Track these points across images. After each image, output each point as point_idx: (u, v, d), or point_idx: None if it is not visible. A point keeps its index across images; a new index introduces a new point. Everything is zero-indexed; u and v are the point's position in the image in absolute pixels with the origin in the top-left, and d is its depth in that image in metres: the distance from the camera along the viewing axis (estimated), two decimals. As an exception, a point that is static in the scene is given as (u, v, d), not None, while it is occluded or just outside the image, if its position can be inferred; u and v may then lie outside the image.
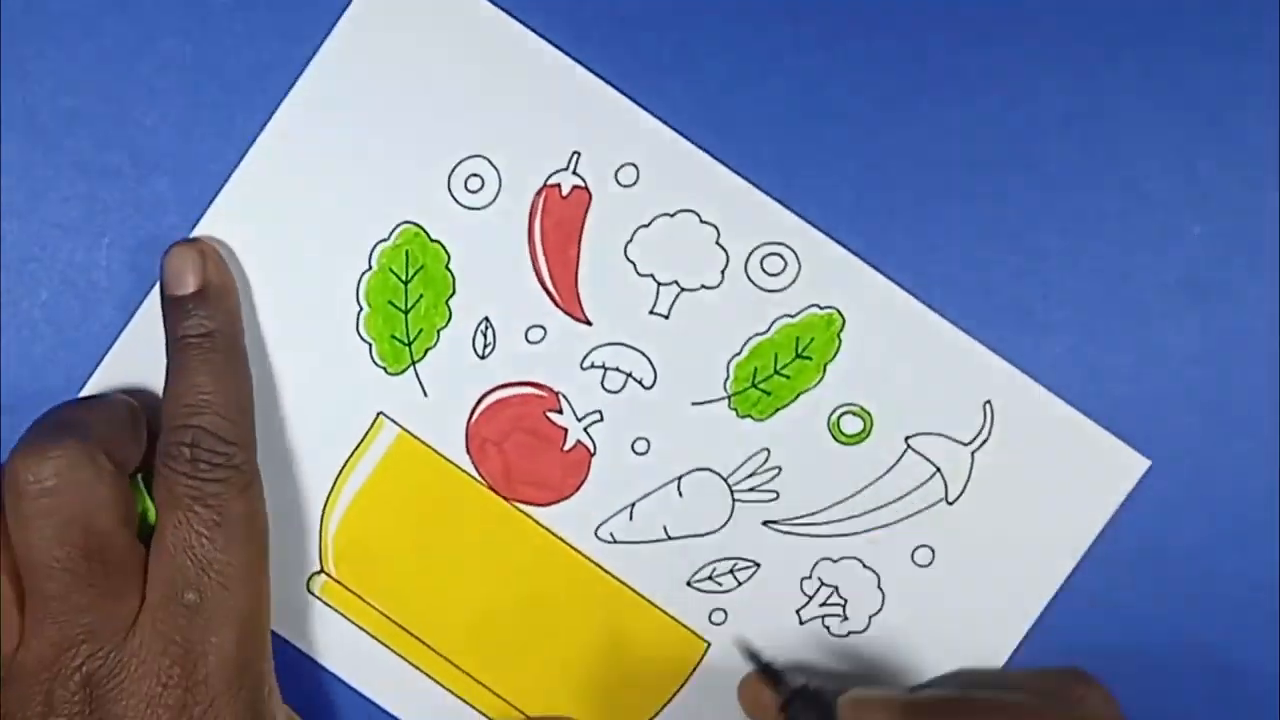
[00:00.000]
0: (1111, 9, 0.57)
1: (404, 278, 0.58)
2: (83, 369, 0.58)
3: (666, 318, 0.59)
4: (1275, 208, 0.58)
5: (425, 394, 0.59)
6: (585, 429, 0.59)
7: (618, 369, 0.59)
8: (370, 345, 0.59)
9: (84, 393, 0.58)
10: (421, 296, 0.59)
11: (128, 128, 0.57)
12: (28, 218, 0.58)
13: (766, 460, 0.59)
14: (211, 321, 0.55)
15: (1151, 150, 0.57)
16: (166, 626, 0.52)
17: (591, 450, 0.59)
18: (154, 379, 0.57)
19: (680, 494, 0.59)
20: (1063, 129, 0.57)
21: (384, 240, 0.58)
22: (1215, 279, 0.58)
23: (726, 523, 0.59)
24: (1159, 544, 0.59)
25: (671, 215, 0.58)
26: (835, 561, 0.59)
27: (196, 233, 0.58)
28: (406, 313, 0.59)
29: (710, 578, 0.60)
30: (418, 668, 0.60)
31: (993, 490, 0.59)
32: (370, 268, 0.58)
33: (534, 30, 0.57)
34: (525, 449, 0.59)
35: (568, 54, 0.57)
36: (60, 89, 0.57)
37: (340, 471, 0.59)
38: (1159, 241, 0.58)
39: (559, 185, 0.58)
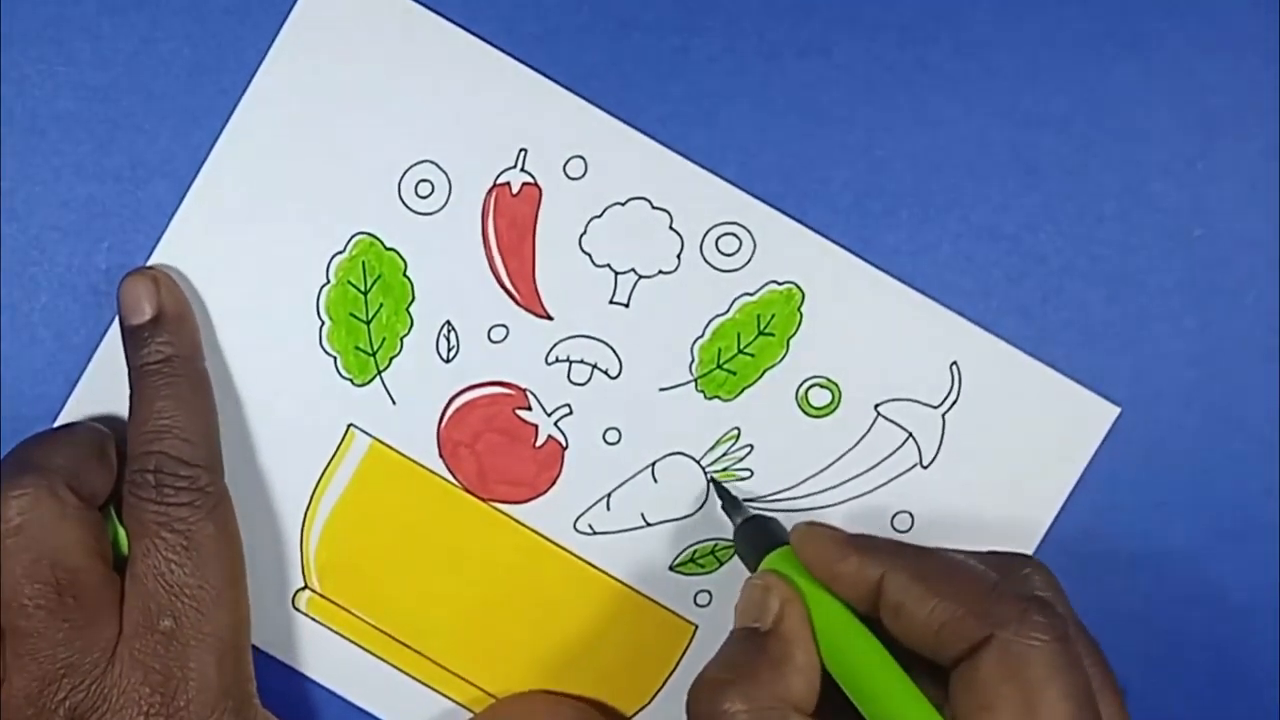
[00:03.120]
0: (1111, 10, 0.55)
1: (363, 288, 0.56)
2: (82, 372, 0.56)
3: (627, 306, 0.57)
4: (1275, 209, 0.56)
5: (394, 402, 0.57)
6: (555, 424, 0.57)
7: (583, 361, 0.57)
8: (335, 358, 0.57)
9: (58, 421, 0.56)
10: (382, 305, 0.56)
11: (127, 132, 0.56)
12: (27, 221, 0.56)
13: (738, 439, 0.57)
14: (169, 347, 0.54)
15: (1151, 152, 0.56)
16: (145, 655, 0.51)
17: (563, 444, 0.57)
18: (125, 406, 0.54)
19: (655, 480, 0.57)
20: (1062, 130, 0.56)
21: (340, 253, 0.56)
22: (1215, 281, 0.56)
23: (703, 504, 0.58)
24: (1159, 543, 0.58)
25: (623, 204, 0.56)
26: (815, 534, 0.57)
27: (152, 261, 0.56)
28: (368, 323, 0.56)
29: (692, 560, 0.58)
30: (408, 674, 0.58)
31: (966, 450, 0.57)
32: (328, 281, 0.56)
33: (470, 31, 0.55)
34: (497, 448, 0.57)
35: (506, 52, 0.55)
36: (59, 93, 0.55)
37: (316, 486, 0.57)
38: (1159, 243, 0.56)
39: (509, 183, 0.56)
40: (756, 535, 0.53)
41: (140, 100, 0.55)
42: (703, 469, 0.57)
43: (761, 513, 0.55)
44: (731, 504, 0.56)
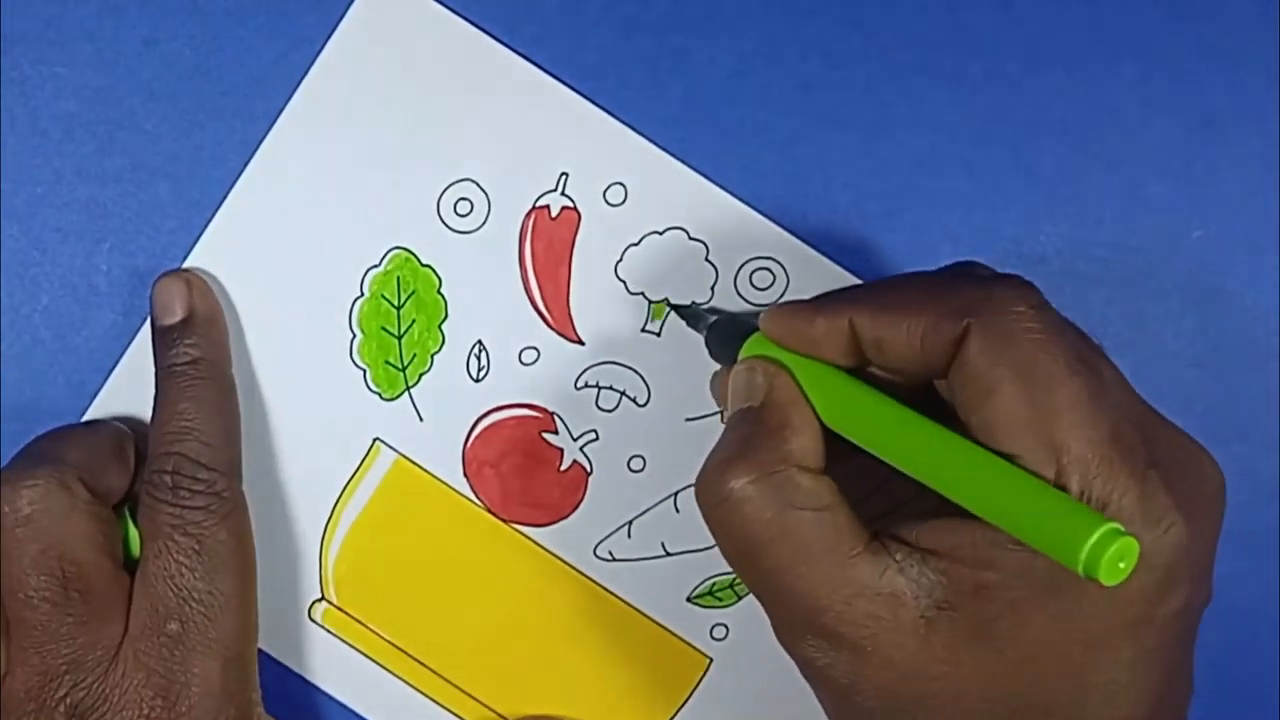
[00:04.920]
0: (1110, 13, 0.54)
1: (396, 303, 0.55)
2: (83, 374, 0.55)
3: (659, 335, 0.55)
4: (1274, 211, 0.55)
5: (421, 419, 0.55)
6: (581, 448, 0.55)
7: (611, 388, 0.55)
8: (364, 371, 0.55)
9: (84, 418, 0.55)
10: (414, 321, 0.55)
11: (128, 132, 0.54)
12: (28, 222, 0.54)
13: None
14: (197, 350, 0.52)
15: (1150, 154, 0.54)
16: (149, 657, 0.49)
17: (588, 469, 0.55)
18: (148, 408, 0.53)
19: (677, 510, 0.56)
20: (1062, 131, 0.54)
21: (375, 266, 0.54)
22: (1214, 282, 0.55)
23: (725, 538, 0.55)
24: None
25: (661, 233, 0.54)
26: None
27: (188, 264, 0.54)
28: (400, 338, 0.55)
29: (710, 593, 0.56)
30: (421, 691, 0.56)
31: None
32: (362, 294, 0.55)
33: (519, 53, 0.54)
34: (522, 470, 0.55)
35: (553, 75, 0.54)
36: (60, 94, 0.54)
37: (338, 499, 0.55)
38: (1158, 244, 0.55)
39: (548, 206, 0.54)
40: (727, 332, 0.51)
41: (140, 101, 0.54)
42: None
43: (725, 310, 0.53)
44: (694, 316, 0.53)
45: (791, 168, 0.54)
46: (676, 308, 0.54)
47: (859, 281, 0.54)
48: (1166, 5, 0.54)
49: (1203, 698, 0.54)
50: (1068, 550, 0.38)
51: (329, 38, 0.53)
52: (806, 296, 0.52)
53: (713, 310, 0.54)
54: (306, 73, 0.53)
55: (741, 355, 0.49)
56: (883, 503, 0.46)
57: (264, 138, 0.54)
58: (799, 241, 0.54)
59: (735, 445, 0.45)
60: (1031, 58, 0.54)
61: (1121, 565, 0.38)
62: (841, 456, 0.45)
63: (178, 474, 0.50)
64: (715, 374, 0.53)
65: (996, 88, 0.54)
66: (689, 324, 0.54)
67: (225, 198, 0.54)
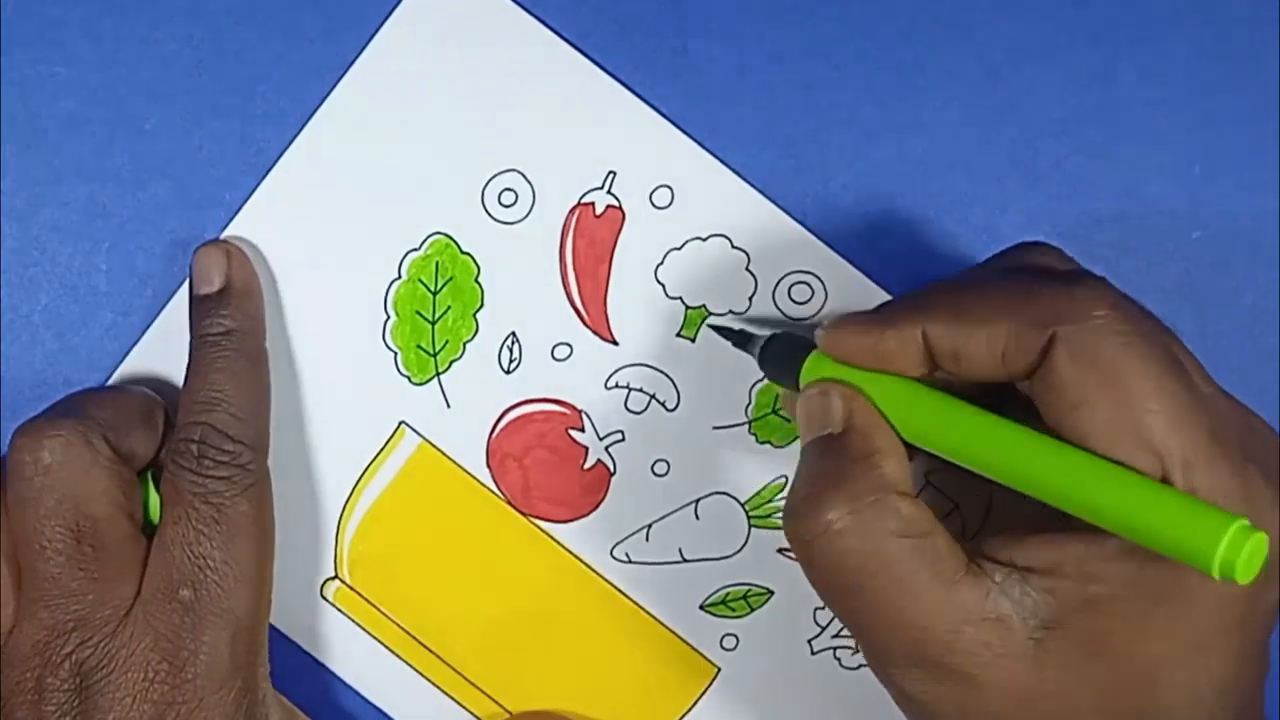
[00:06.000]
0: (1110, 13, 0.53)
1: (433, 288, 0.53)
2: (82, 374, 0.54)
3: (693, 341, 0.54)
4: (1274, 212, 0.54)
5: (448, 405, 0.54)
6: (606, 448, 0.54)
7: (642, 390, 0.54)
8: (396, 354, 0.54)
9: (111, 382, 0.54)
10: (449, 308, 0.54)
11: (128, 132, 0.53)
12: (28, 222, 0.53)
13: (785, 487, 0.54)
14: (231, 321, 0.51)
15: (1149, 154, 0.54)
16: (158, 621, 0.48)
17: (611, 470, 0.54)
18: (181, 374, 0.52)
19: (697, 517, 0.54)
20: (1061, 131, 0.54)
21: (415, 250, 0.53)
22: (1214, 282, 0.54)
23: (742, 548, 0.55)
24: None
25: (704, 239, 0.53)
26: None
27: (228, 233, 0.53)
28: (434, 323, 0.54)
29: (723, 602, 0.55)
30: (426, 678, 0.55)
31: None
32: (400, 276, 0.53)
33: (576, 47, 0.53)
34: (545, 465, 0.54)
35: (609, 72, 0.53)
36: (60, 93, 0.53)
37: (360, 479, 0.54)
38: (1158, 245, 0.54)
39: (593, 204, 0.53)
40: (783, 352, 0.49)
41: (140, 101, 0.53)
42: (745, 512, 0.54)
43: (777, 329, 0.51)
44: (741, 337, 0.52)
45: (791, 167, 0.53)
46: (718, 329, 0.53)
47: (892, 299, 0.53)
48: (1166, 5, 0.53)
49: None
50: (1199, 552, 0.36)
51: (328, 37, 0.53)
52: (844, 314, 0.51)
53: (753, 322, 0.53)
54: (306, 72, 0.53)
55: (805, 377, 0.47)
56: (959, 522, 0.45)
57: (264, 137, 0.53)
58: (840, 258, 0.53)
59: (825, 476, 0.43)
60: (1031, 57, 0.53)
61: (1254, 561, 0.36)
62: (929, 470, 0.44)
63: (204, 443, 0.49)
64: (782, 394, 0.52)
65: (996, 88, 0.53)
66: (735, 345, 0.52)
67: (225, 197, 0.53)
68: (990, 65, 0.53)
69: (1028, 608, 0.41)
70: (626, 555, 0.55)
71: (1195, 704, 0.41)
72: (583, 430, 0.54)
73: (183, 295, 0.53)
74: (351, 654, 0.55)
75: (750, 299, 0.53)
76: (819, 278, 0.53)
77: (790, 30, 0.53)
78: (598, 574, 0.55)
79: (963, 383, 0.44)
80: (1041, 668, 0.41)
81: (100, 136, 0.53)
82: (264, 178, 0.53)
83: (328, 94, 0.53)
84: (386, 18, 0.52)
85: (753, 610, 0.55)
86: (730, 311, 0.53)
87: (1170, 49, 0.53)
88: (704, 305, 0.53)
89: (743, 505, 0.54)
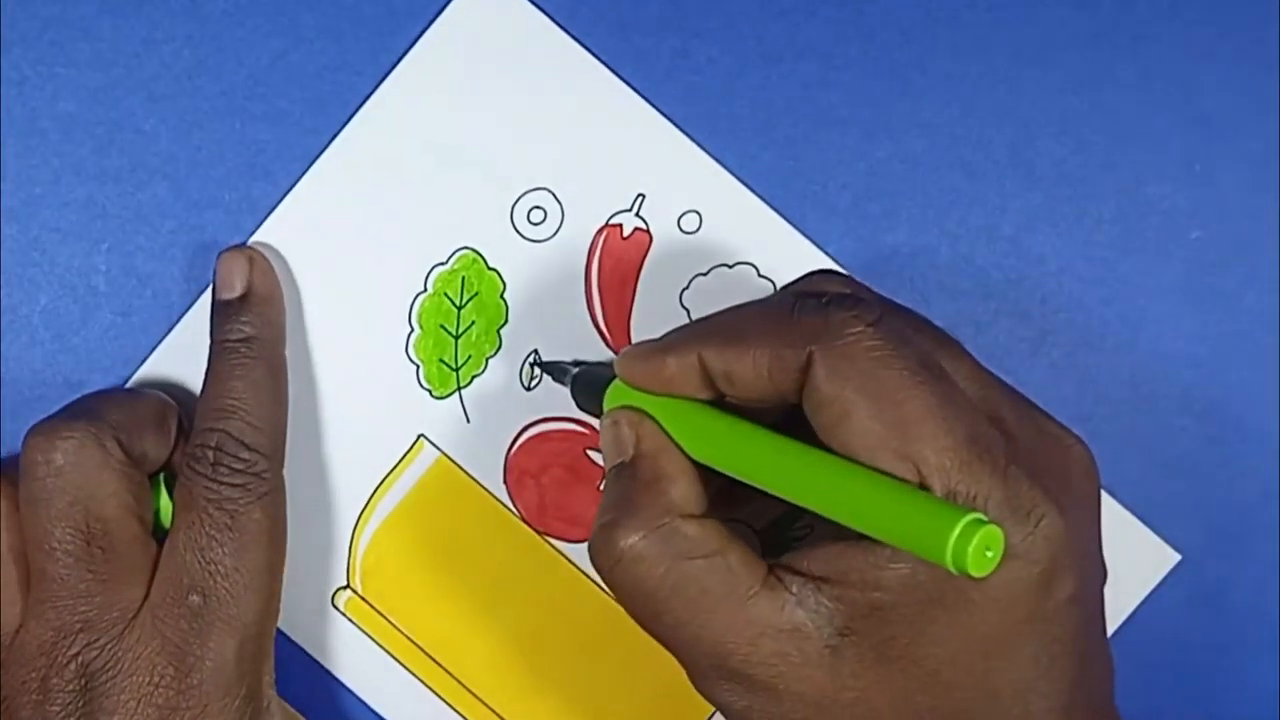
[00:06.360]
0: (1110, 13, 0.54)
1: (458, 303, 0.53)
2: (82, 374, 0.54)
3: (714, 367, 0.53)
4: (1274, 211, 0.55)
5: (468, 420, 0.54)
6: (623, 470, 0.54)
7: (661, 414, 0.53)
8: (418, 367, 0.54)
9: (129, 384, 0.54)
10: (473, 323, 0.53)
11: (127, 133, 0.53)
12: (27, 223, 0.53)
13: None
14: (251, 328, 0.51)
15: (1150, 154, 0.54)
16: (166, 626, 0.48)
17: (627, 492, 0.54)
18: (199, 379, 0.52)
19: (711, 543, 0.54)
20: (1061, 131, 0.54)
21: (441, 264, 0.53)
22: (1213, 283, 0.55)
23: (755, 576, 0.54)
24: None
25: (730, 266, 0.53)
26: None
27: (254, 240, 0.53)
28: (457, 338, 0.53)
29: (733, 630, 0.54)
30: (434, 691, 0.55)
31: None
32: (425, 290, 0.53)
33: (612, 69, 0.53)
34: (562, 484, 0.54)
35: (643, 96, 0.53)
36: (59, 94, 0.53)
37: (376, 489, 0.54)
38: (1158, 244, 0.54)
39: (621, 225, 0.53)
40: (588, 384, 0.50)
41: (140, 101, 0.53)
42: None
43: (586, 362, 0.52)
44: (559, 371, 0.53)
45: (791, 167, 0.53)
46: (541, 364, 0.53)
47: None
48: (1166, 5, 0.53)
49: (1203, 698, 0.57)
50: (934, 547, 0.38)
51: (328, 37, 0.52)
52: (637, 342, 0.52)
53: (576, 362, 0.53)
54: (306, 73, 0.53)
55: (606, 405, 0.48)
56: (781, 534, 0.47)
57: (263, 137, 0.53)
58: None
59: (617, 504, 0.45)
60: (1031, 58, 0.53)
61: (989, 554, 0.38)
62: (738, 498, 0.46)
63: (220, 450, 0.49)
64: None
65: (996, 88, 0.53)
66: (554, 379, 0.53)
67: (224, 198, 0.53)
68: (990, 65, 0.53)
69: (822, 616, 0.42)
70: (639, 578, 0.54)
71: (994, 704, 0.42)
72: (601, 451, 0.54)
73: (205, 300, 0.53)
74: (359, 664, 0.55)
75: (774, 327, 0.53)
76: (844, 309, 0.53)
77: (790, 30, 0.53)
78: (609, 594, 0.54)
79: (753, 405, 0.45)
80: (838, 675, 0.42)
81: (100, 136, 0.53)
82: (264, 178, 0.53)
83: (326, 95, 0.53)
84: (386, 17, 0.52)
85: (762, 638, 0.54)
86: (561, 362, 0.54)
87: (1170, 49, 0.54)
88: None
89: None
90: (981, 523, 0.37)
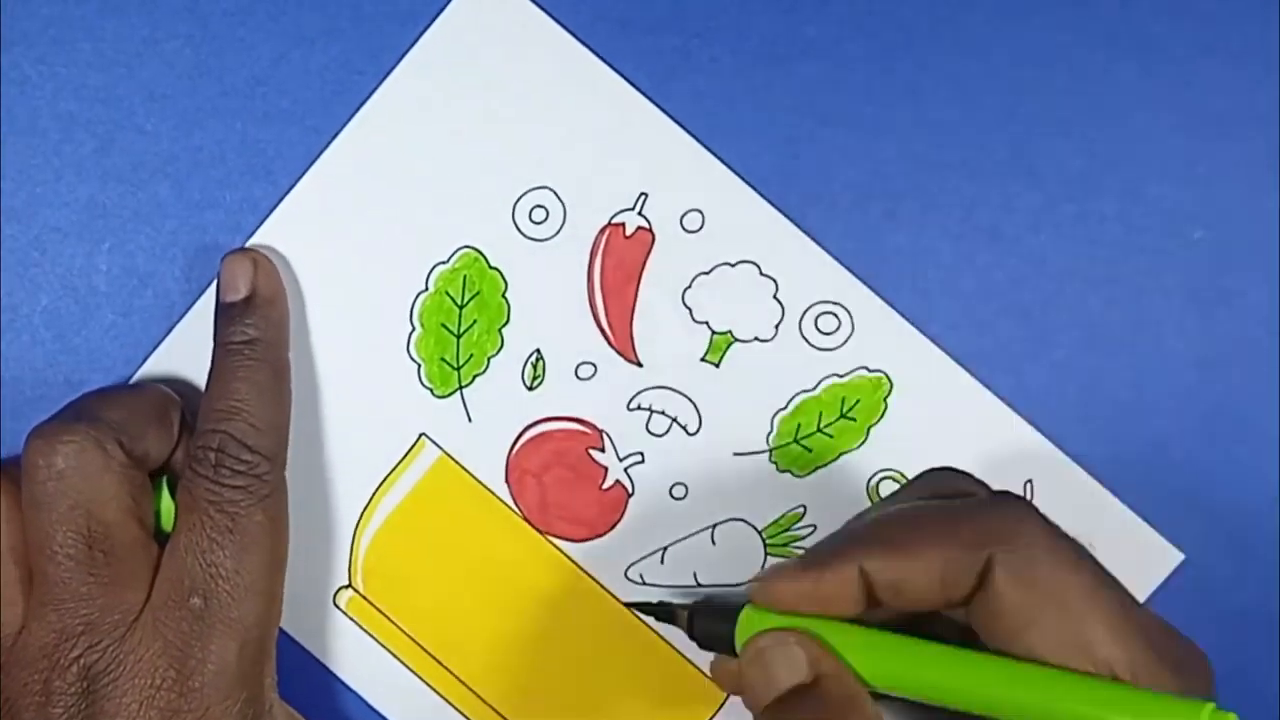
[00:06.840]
0: (1111, 11, 0.53)
1: (459, 302, 0.53)
2: (82, 374, 0.53)
3: (717, 366, 0.53)
4: (1275, 211, 0.54)
5: (470, 419, 0.53)
6: (625, 469, 0.54)
7: (664, 413, 0.53)
8: (419, 366, 0.53)
9: (136, 378, 0.54)
10: (475, 322, 0.53)
11: (128, 132, 0.52)
12: (28, 222, 0.53)
13: (802, 518, 0.54)
14: (255, 330, 0.51)
15: (1152, 155, 0.54)
16: (167, 628, 0.48)
17: (629, 491, 0.54)
18: (203, 376, 0.51)
19: (714, 542, 0.54)
20: (1063, 133, 0.53)
21: (443, 263, 0.53)
22: (1216, 284, 0.54)
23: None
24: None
25: (732, 265, 0.53)
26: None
27: (255, 240, 0.53)
28: (458, 337, 0.53)
29: (736, 630, 0.54)
30: (436, 690, 0.55)
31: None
32: (426, 289, 0.53)
33: (614, 68, 0.52)
34: (564, 484, 0.54)
35: (646, 95, 0.52)
36: (60, 93, 0.52)
37: (377, 488, 0.54)
38: (1159, 245, 0.54)
39: (623, 224, 0.53)
40: (714, 615, 0.47)
41: (140, 101, 0.52)
42: (762, 539, 0.54)
43: (699, 595, 0.52)
44: (664, 611, 0.50)
45: (794, 166, 0.53)
46: (640, 605, 0.51)
47: (921, 335, 0.53)
48: (1167, 5, 0.53)
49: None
50: None
51: (328, 37, 0.52)
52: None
53: (673, 591, 0.53)
54: (306, 73, 0.52)
55: (741, 634, 0.45)
56: None
57: (263, 138, 0.52)
58: (870, 291, 0.53)
59: None
60: (1031, 58, 0.53)
61: None
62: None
63: (222, 452, 0.49)
64: (713, 663, 0.48)
65: (999, 87, 0.53)
66: (659, 619, 0.51)
67: (225, 198, 0.53)
68: (993, 65, 0.53)
69: None
70: (640, 577, 0.54)
71: None
72: (603, 450, 0.54)
73: (207, 300, 0.52)
74: (361, 663, 0.55)
75: (777, 327, 0.53)
76: (846, 309, 0.53)
77: (793, 29, 0.53)
78: (611, 594, 0.54)
79: (888, 618, 0.43)
80: None
81: (100, 136, 0.52)
82: (264, 178, 0.52)
83: (327, 95, 0.52)
84: (387, 16, 0.52)
85: (764, 638, 0.54)
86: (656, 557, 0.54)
87: (1173, 49, 0.53)
88: (730, 331, 0.53)
89: (760, 533, 0.54)
90: (1221, 712, 0.38)
